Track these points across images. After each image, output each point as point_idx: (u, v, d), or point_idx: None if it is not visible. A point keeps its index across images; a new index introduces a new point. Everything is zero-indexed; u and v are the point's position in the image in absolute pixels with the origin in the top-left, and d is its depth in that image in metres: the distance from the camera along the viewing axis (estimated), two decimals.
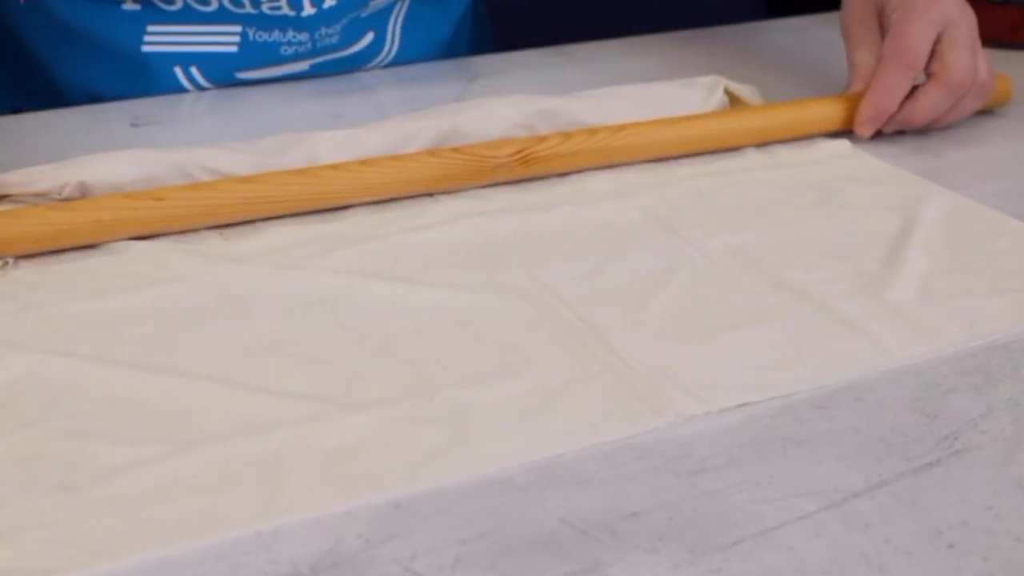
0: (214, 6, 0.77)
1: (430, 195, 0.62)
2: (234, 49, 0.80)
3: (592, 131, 0.65)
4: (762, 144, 0.69)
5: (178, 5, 0.78)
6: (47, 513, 0.38)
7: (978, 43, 0.72)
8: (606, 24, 0.99)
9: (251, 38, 0.80)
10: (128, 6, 0.78)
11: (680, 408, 0.44)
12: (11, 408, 0.44)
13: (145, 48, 0.79)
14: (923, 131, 0.72)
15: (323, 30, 0.79)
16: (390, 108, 0.80)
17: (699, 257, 0.56)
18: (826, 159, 0.68)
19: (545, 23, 1.04)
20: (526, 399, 0.45)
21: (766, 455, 0.42)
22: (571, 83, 0.85)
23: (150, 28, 0.79)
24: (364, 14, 0.82)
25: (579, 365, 0.47)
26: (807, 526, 0.38)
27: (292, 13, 0.77)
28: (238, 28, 0.79)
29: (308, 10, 0.77)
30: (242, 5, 0.77)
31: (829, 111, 0.71)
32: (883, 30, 0.72)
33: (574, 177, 0.65)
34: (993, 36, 0.96)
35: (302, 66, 0.82)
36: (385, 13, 0.84)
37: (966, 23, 0.72)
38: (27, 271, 0.54)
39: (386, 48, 0.86)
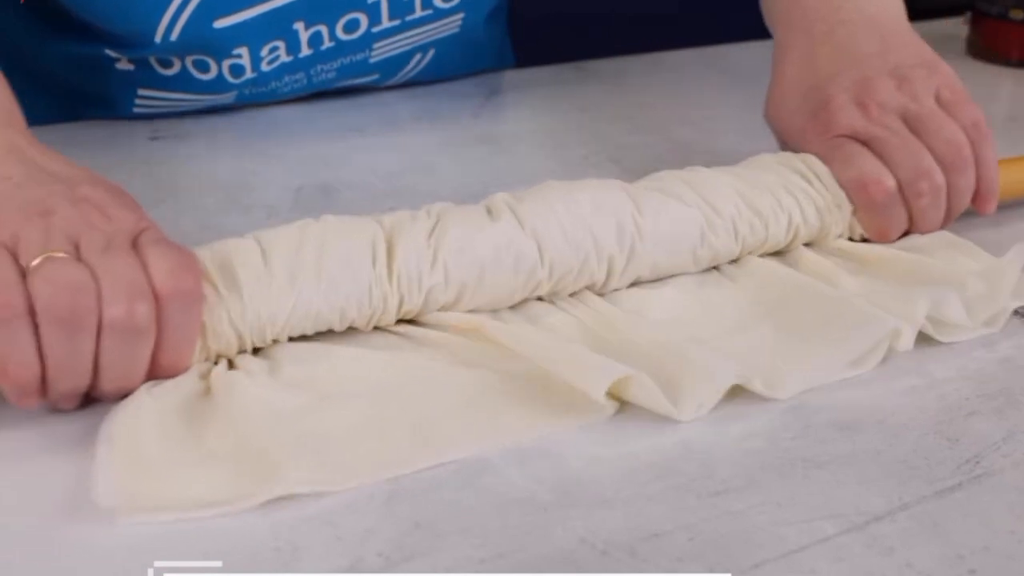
0: (213, 73, 0.74)
1: None
2: (229, 101, 0.79)
3: None
4: None
5: (175, 69, 0.74)
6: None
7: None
8: (626, 41, 0.99)
9: (247, 93, 0.78)
10: (122, 66, 0.74)
11: (699, 398, 0.45)
12: None
13: (136, 110, 0.77)
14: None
15: (319, 66, 0.77)
16: (408, 124, 0.80)
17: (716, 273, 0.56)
18: None
19: (564, 40, 1.04)
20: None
21: (788, 476, 0.41)
22: (590, 99, 0.86)
23: (141, 92, 0.76)
24: (372, 59, 0.79)
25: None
26: (829, 549, 0.38)
27: (289, 59, 0.75)
28: (233, 93, 0.77)
29: (305, 51, 0.75)
30: (242, 73, 0.74)
31: None
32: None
33: None
34: (1012, 55, 0.96)
35: (299, 95, 0.82)
36: (401, 59, 0.81)
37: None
38: None
39: (393, 80, 0.84)
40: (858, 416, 0.45)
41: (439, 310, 0.51)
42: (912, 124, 0.57)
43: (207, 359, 0.47)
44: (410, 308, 0.50)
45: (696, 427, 0.45)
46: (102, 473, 0.41)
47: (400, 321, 0.51)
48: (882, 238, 0.58)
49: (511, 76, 0.92)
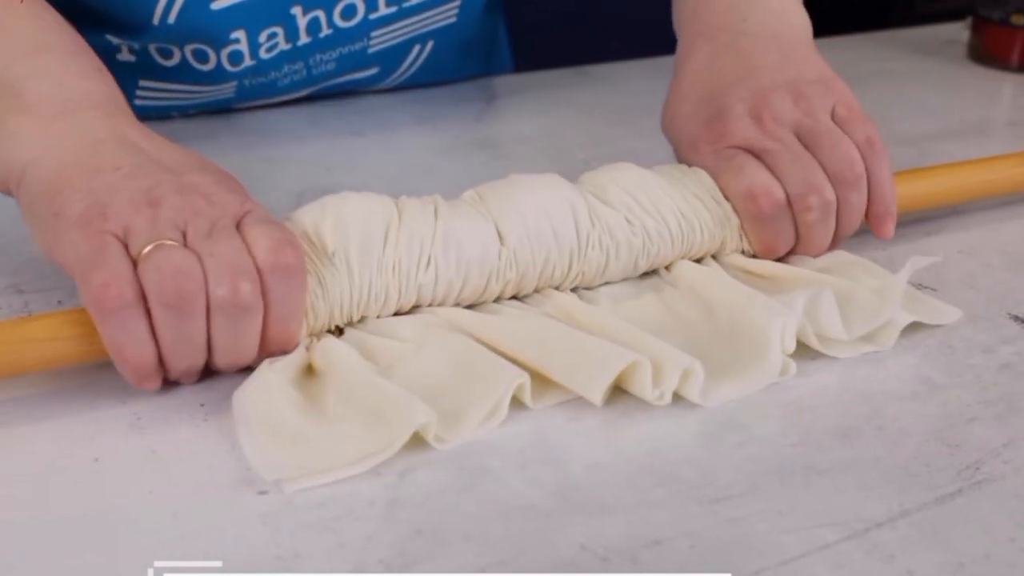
0: (212, 64, 0.74)
1: None
2: (230, 95, 0.79)
3: None
4: None
5: (175, 60, 0.74)
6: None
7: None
8: (624, 45, 0.99)
9: (247, 84, 0.78)
10: (123, 57, 0.75)
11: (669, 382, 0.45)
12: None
13: (137, 102, 0.77)
14: None
15: (318, 56, 0.78)
16: (409, 128, 0.80)
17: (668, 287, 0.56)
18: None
19: (564, 44, 1.04)
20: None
21: (788, 483, 0.42)
22: (590, 103, 0.86)
23: (142, 83, 0.77)
24: (371, 49, 0.79)
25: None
26: (829, 556, 0.38)
27: (288, 46, 0.75)
28: (234, 83, 0.77)
29: (304, 39, 0.75)
30: (240, 60, 0.74)
31: None
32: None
33: None
34: (1013, 60, 0.96)
35: (300, 94, 0.82)
36: (400, 50, 0.82)
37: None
38: None
39: (393, 76, 0.85)
40: (858, 423, 0.45)
41: (428, 306, 0.52)
42: (806, 139, 0.57)
43: (310, 334, 0.49)
44: (403, 303, 0.51)
45: (697, 433, 0.45)
46: (253, 451, 0.43)
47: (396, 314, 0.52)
48: (768, 252, 0.57)
49: (511, 80, 0.92)
